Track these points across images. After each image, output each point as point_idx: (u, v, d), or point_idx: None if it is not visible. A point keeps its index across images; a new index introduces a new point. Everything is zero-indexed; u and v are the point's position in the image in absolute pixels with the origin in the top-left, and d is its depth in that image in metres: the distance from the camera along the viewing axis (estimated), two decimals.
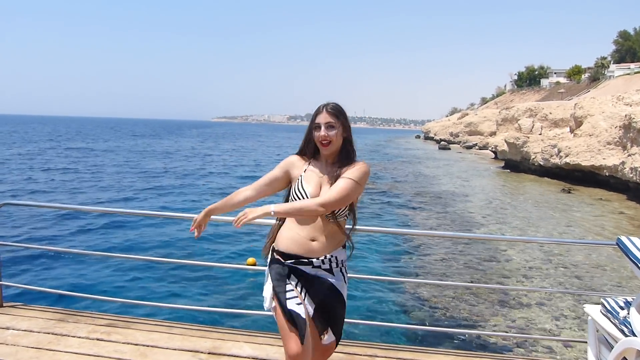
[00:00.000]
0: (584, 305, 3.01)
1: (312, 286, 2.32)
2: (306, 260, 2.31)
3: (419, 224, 15.06)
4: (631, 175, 20.40)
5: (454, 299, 8.22)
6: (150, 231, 12.42)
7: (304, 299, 2.29)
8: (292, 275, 2.32)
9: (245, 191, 2.43)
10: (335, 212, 2.28)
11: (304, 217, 2.27)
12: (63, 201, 16.69)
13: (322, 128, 2.30)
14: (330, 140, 2.30)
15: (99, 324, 3.62)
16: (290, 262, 2.32)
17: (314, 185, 2.32)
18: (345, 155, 2.35)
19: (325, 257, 2.32)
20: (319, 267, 2.32)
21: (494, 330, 7.06)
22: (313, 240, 2.31)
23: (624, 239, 2.69)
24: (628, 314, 2.59)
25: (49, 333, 3.43)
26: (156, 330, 3.55)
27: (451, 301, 8.12)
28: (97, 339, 3.37)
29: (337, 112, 2.33)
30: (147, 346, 3.30)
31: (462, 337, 6.63)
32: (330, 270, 2.35)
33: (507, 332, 7.04)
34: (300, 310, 2.26)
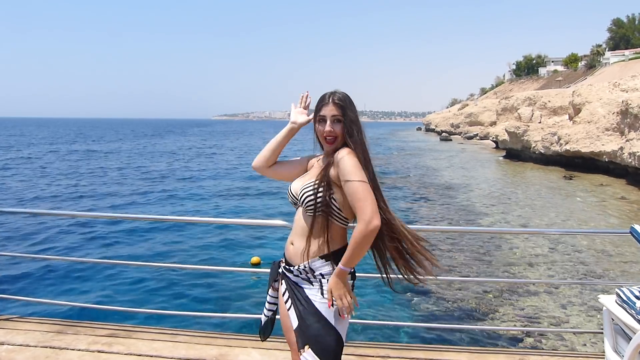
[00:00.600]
0: (599, 296, 2.93)
1: (295, 296, 2.07)
2: (288, 267, 2.12)
3: (424, 216, 14.96)
4: (630, 160, 20.49)
5: (462, 290, 8.14)
6: (152, 237, 12.25)
7: (289, 308, 2.09)
8: (283, 281, 2.16)
9: (279, 164, 2.29)
10: (298, 202, 2.03)
11: (368, 244, 1.89)
12: (68, 208, 16.45)
13: (328, 122, 2.02)
14: (336, 136, 2.03)
15: (100, 334, 3.49)
16: (284, 266, 2.16)
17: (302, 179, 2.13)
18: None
19: (299, 266, 2.05)
20: (298, 275, 2.07)
21: (503, 321, 7.03)
22: (292, 244, 2.10)
23: (637, 227, 2.66)
24: None
25: (46, 347, 3.29)
26: (159, 339, 3.44)
27: (459, 294, 8.05)
28: (98, 351, 3.24)
29: (346, 103, 2.04)
30: (151, 356, 3.18)
31: (473, 332, 6.53)
32: (308, 280, 2.05)
33: (517, 322, 7.01)
34: (266, 313, 2.24)
